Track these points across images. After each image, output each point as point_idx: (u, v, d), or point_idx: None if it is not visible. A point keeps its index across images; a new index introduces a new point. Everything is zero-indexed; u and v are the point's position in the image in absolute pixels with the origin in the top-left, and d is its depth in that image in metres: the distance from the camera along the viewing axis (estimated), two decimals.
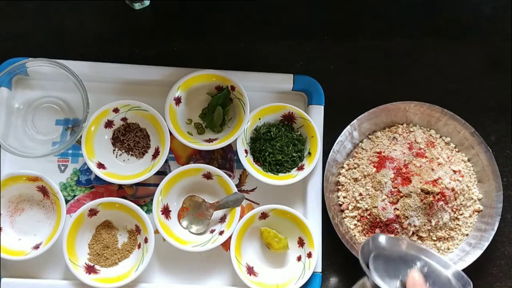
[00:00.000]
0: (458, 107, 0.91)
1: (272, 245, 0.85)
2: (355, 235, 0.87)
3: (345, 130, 0.89)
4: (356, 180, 0.88)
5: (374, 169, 0.87)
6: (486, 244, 0.86)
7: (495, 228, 0.87)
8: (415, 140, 0.89)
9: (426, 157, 0.88)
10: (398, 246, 0.79)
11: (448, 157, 0.89)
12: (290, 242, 0.86)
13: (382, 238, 0.78)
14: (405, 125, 0.91)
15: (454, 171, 0.87)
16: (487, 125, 0.93)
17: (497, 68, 0.96)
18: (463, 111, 0.91)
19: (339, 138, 0.89)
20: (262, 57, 0.93)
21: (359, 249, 0.73)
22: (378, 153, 0.89)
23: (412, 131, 0.90)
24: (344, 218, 0.88)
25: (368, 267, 0.70)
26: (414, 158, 0.87)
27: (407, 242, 0.80)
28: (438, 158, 0.88)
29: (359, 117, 0.89)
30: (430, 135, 0.91)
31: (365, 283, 0.73)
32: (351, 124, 0.89)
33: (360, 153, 0.90)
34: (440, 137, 0.91)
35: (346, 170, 0.89)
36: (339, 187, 0.89)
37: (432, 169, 0.86)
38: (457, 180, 0.87)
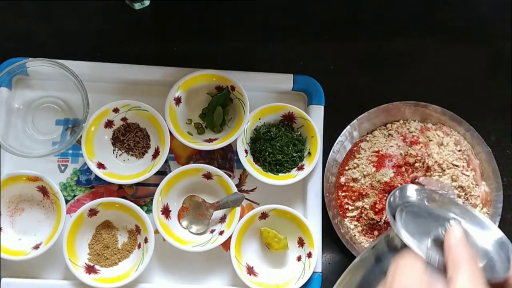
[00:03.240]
0: (458, 107, 0.91)
1: (272, 245, 0.85)
2: (355, 235, 0.87)
3: (345, 130, 0.89)
4: (355, 180, 0.88)
5: (374, 169, 0.87)
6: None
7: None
8: (408, 131, 0.89)
9: (419, 142, 0.88)
10: (430, 199, 0.65)
11: (442, 137, 0.89)
12: (290, 242, 0.86)
13: (411, 189, 0.65)
14: (401, 121, 0.91)
15: (456, 165, 0.87)
16: (487, 125, 0.93)
17: (497, 68, 0.96)
18: (463, 111, 0.91)
19: (339, 138, 0.89)
20: (262, 57, 0.93)
21: (386, 202, 0.62)
22: (376, 152, 0.89)
23: (407, 126, 0.90)
24: (344, 218, 0.88)
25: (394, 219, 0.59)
26: (410, 148, 0.87)
27: (441, 196, 0.64)
28: (431, 140, 0.88)
29: (359, 117, 0.89)
30: (425, 124, 0.91)
31: (392, 237, 0.59)
32: (351, 124, 0.89)
33: (359, 153, 0.90)
34: (434, 124, 0.91)
35: (346, 170, 0.89)
36: (339, 186, 0.89)
37: (429, 155, 0.87)
38: (463, 174, 0.87)
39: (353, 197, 0.87)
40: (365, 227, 0.87)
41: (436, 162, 0.87)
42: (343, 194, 0.88)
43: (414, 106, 0.90)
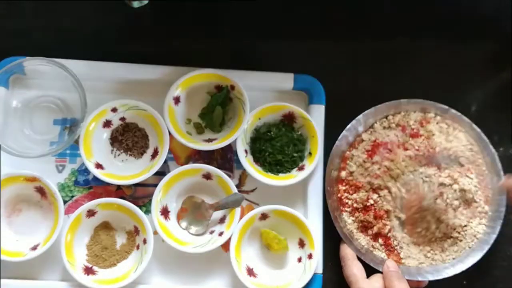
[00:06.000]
0: (460, 107, 0.91)
1: (272, 246, 0.85)
2: (352, 231, 0.86)
3: (350, 125, 0.88)
4: (352, 173, 0.87)
5: (365, 156, 0.86)
6: (487, 247, 0.85)
7: (497, 231, 0.86)
8: (408, 123, 0.89)
9: (421, 135, 0.87)
10: None
11: (446, 128, 0.89)
12: (291, 243, 0.86)
13: None
14: (402, 113, 0.90)
15: (461, 164, 0.87)
16: (489, 125, 0.92)
17: (499, 67, 0.96)
18: (465, 111, 0.91)
19: (344, 133, 0.88)
20: (262, 56, 0.92)
21: None
22: (373, 141, 0.88)
23: (406, 119, 0.90)
24: (343, 212, 0.87)
25: None
26: (410, 139, 0.87)
27: None
28: (434, 134, 0.87)
29: (365, 112, 0.88)
30: (424, 115, 0.90)
31: None
32: (357, 119, 0.88)
33: (358, 145, 0.89)
34: (435, 116, 0.90)
35: (346, 164, 0.89)
36: (340, 181, 0.89)
37: (432, 148, 0.86)
38: (467, 176, 0.86)
39: (351, 191, 0.87)
40: (359, 225, 0.86)
41: (445, 148, 0.86)
42: (343, 188, 0.88)
43: (421, 104, 0.89)
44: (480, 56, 0.96)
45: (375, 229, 0.85)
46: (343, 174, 0.88)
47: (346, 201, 0.87)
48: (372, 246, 0.86)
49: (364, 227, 0.86)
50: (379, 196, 0.86)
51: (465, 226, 0.86)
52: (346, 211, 0.87)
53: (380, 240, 0.85)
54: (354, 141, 0.89)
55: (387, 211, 0.85)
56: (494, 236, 0.86)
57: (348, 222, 0.87)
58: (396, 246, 0.86)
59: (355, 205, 0.86)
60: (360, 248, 0.86)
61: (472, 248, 0.86)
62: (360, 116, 0.89)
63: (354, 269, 0.82)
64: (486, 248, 0.85)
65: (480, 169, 0.88)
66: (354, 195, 0.86)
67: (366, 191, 0.86)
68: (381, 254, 0.86)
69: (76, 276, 0.80)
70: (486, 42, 0.96)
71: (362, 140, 0.89)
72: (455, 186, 0.85)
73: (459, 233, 0.86)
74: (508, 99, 0.94)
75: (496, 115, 0.94)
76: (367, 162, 0.87)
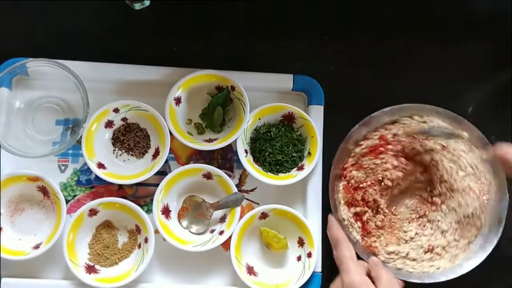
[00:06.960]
0: (458, 107, 0.91)
1: (271, 245, 0.85)
2: (340, 202, 0.87)
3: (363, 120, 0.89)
4: (364, 155, 0.88)
5: (377, 142, 0.87)
6: (491, 247, 0.85)
7: (500, 230, 0.86)
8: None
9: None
10: None
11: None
12: (290, 242, 0.86)
13: None
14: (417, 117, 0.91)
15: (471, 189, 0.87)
16: (488, 125, 0.92)
17: (498, 67, 0.96)
18: (464, 111, 0.91)
19: (378, 112, 0.89)
20: (262, 57, 0.93)
21: None
22: (379, 137, 0.89)
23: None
24: (340, 182, 0.87)
25: None
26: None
27: None
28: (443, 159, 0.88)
29: (384, 109, 0.89)
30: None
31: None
32: (370, 116, 0.89)
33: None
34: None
35: (363, 143, 0.89)
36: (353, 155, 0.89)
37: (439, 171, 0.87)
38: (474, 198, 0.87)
39: (355, 168, 0.87)
40: (347, 200, 0.87)
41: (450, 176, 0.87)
42: (351, 161, 0.88)
43: (430, 109, 0.89)
44: (480, 56, 0.96)
45: (357, 209, 0.86)
46: (357, 150, 0.88)
47: (348, 173, 0.87)
48: (351, 224, 0.86)
49: (349, 203, 0.87)
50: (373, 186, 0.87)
51: (453, 241, 0.86)
52: (344, 182, 0.87)
53: (358, 223, 0.86)
54: (379, 126, 0.90)
55: (375, 201, 0.86)
56: (496, 238, 0.86)
57: (340, 191, 0.87)
58: (373, 235, 0.86)
59: (352, 181, 0.87)
60: (341, 219, 0.86)
61: (444, 270, 0.86)
62: (374, 114, 0.88)
63: (345, 251, 0.79)
64: (490, 248, 0.85)
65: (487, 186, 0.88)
66: (354, 172, 0.87)
67: (367, 175, 0.87)
68: (357, 235, 0.86)
69: (78, 275, 0.81)
70: (486, 42, 0.96)
71: (386, 129, 0.89)
72: (462, 209, 0.86)
73: (443, 248, 0.87)
74: (508, 99, 0.95)
75: (495, 114, 0.94)
76: (370, 158, 0.88)
